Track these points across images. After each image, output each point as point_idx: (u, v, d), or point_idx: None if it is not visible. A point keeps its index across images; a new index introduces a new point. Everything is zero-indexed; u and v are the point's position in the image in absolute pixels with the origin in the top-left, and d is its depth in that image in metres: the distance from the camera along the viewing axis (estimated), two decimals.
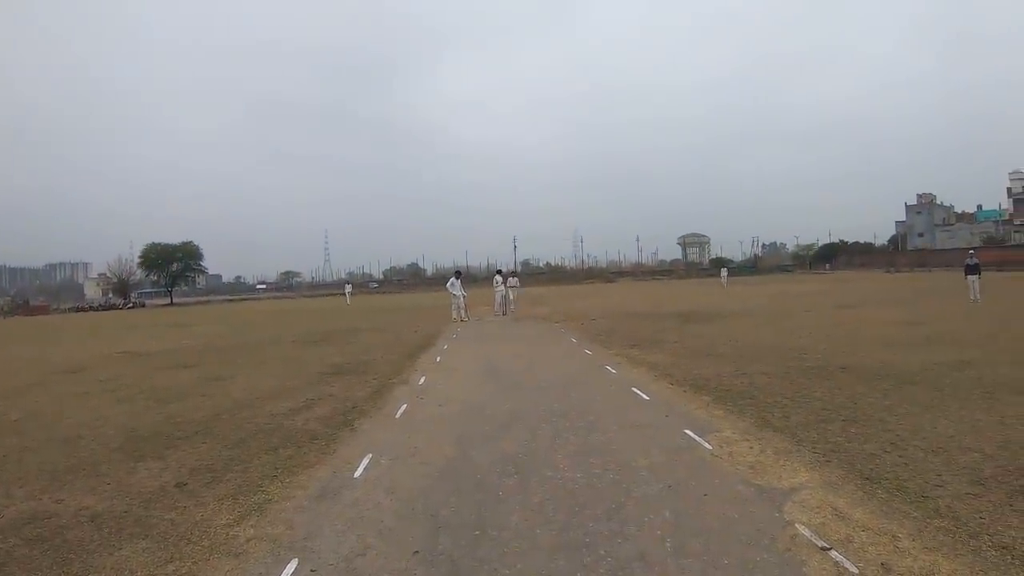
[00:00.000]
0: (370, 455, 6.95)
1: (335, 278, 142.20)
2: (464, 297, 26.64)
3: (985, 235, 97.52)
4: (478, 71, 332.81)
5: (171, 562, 4.43)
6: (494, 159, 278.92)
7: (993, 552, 4.03)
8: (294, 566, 4.29)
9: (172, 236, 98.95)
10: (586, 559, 4.26)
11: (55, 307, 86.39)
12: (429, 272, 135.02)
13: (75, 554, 4.64)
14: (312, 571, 4.24)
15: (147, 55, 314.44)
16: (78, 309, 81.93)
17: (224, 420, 9.02)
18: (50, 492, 6.16)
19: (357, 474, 6.34)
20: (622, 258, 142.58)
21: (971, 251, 27.01)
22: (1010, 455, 5.84)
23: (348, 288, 59.84)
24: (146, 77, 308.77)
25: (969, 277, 24.03)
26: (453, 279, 27.06)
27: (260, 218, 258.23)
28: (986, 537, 4.23)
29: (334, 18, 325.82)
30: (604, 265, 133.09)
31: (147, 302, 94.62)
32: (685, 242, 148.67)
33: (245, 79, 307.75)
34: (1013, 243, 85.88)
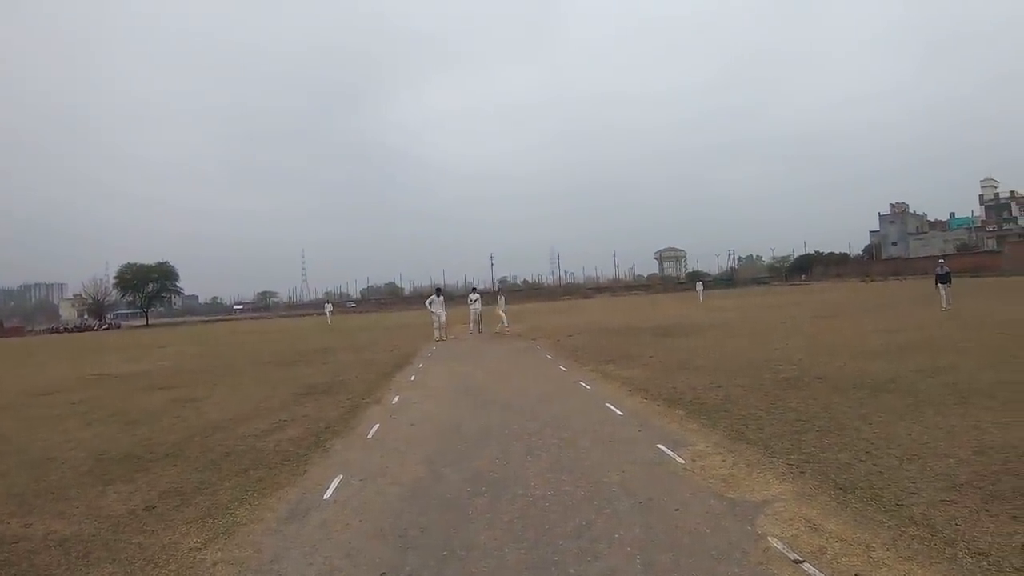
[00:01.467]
0: (341, 476, 6.84)
1: (312, 298, 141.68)
2: (445, 316, 26.36)
3: (958, 242, 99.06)
4: (453, 88, 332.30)
5: None
6: (470, 177, 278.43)
7: (969, 559, 3.98)
8: None
9: (148, 257, 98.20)
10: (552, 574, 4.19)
11: (30, 328, 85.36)
12: (407, 291, 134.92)
13: None
14: None
15: (121, 75, 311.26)
16: (53, 330, 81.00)
17: (196, 442, 8.84)
18: (18, 516, 6.03)
19: (327, 495, 6.23)
20: (599, 274, 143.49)
21: (940, 260, 27.23)
22: (985, 460, 5.82)
23: (328, 308, 59.40)
24: (120, 97, 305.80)
25: (940, 286, 24.20)
26: (433, 297, 26.83)
27: (236, 239, 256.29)
28: (962, 544, 4.18)
29: (308, 37, 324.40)
30: (582, 281, 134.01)
31: (122, 323, 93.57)
32: (662, 257, 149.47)
33: (220, 98, 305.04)
34: (986, 249, 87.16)
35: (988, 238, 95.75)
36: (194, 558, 4.82)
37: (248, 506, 6.02)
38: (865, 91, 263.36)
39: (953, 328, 17.11)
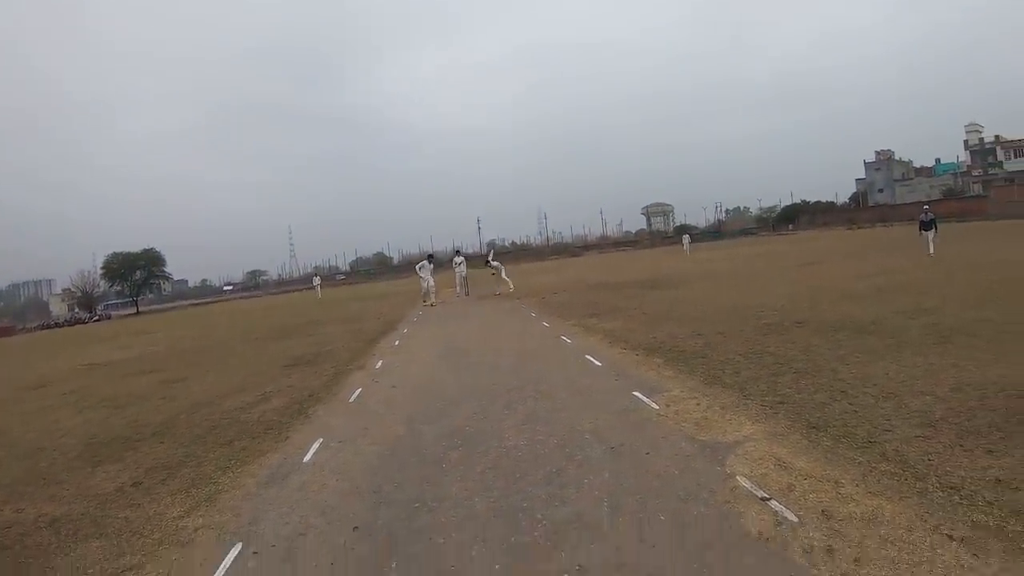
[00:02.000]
0: (321, 439, 6.90)
1: (302, 273, 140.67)
2: (433, 281, 26.12)
3: (944, 188, 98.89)
4: (429, 50, 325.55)
5: (123, 556, 4.49)
6: (454, 143, 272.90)
7: (940, 493, 3.95)
8: (237, 550, 4.34)
9: (134, 245, 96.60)
10: (521, 523, 4.20)
11: (21, 327, 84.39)
12: (396, 260, 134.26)
13: (33, 558, 4.69)
14: (254, 553, 4.29)
15: (95, 63, 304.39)
16: (44, 326, 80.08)
17: (182, 419, 8.85)
18: (11, 503, 6.07)
19: (307, 458, 6.30)
20: (587, 232, 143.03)
21: (925, 206, 27.03)
22: (962, 396, 5.77)
23: (317, 281, 58.71)
24: (95, 86, 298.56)
25: (924, 232, 24.05)
26: (424, 262, 26.59)
27: (222, 220, 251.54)
28: (933, 479, 4.15)
29: (281, 13, 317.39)
30: (570, 240, 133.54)
31: (113, 313, 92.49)
32: (649, 212, 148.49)
33: (196, 82, 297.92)
34: (972, 194, 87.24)
35: (974, 183, 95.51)
36: (177, 526, 4.94)
37: (231, 474, 6.10)
38: (847, 38, 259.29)
39: (937, 272, 17.04)
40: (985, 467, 4.23)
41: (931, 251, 22.95)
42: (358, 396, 9.04)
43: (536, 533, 4.04)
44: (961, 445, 4.65)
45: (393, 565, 3.93)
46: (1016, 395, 5.57)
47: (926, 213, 24.56)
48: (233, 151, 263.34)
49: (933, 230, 23.69)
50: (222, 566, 4.16)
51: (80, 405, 11.28)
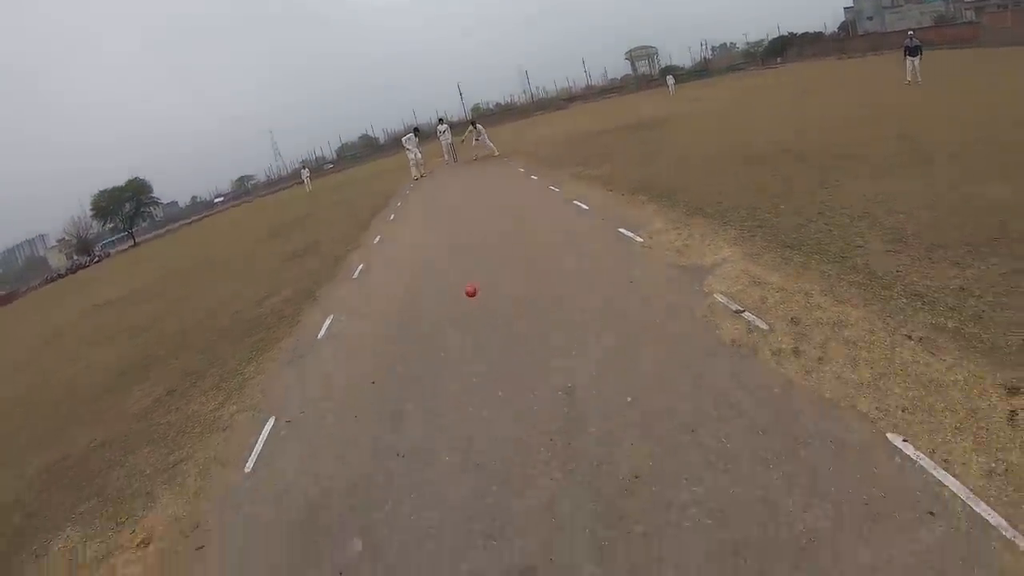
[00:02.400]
0: (331, 316, 7.25)
1: (290, 170, 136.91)
2: (420, 153, 25.45)
3: (935, 14, 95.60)
4: None
5: (172, 453, 4.93)
6: (423, 15, 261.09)
7: (904, 299, 4.19)
8: (272, 423, 4.81)
9: (118, 180, 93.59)
10: (517, 354, 4.59)
11: (24, 288, 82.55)
12: (382, 140, 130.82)
13: (92, 477, 5.01)
14: (287, 422, 4.76)
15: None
16: (47, 280, 78.53)
17: (198, 329, 9.07)
18: (62, 439, 6.33)
19: (320, 335, 6.70)
20: (572, 85, 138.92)
21: (910, 32, 26.23)
22: (936, 214, 5.87)
23: (305, 173, 55.29)
24: (52, 24, 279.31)
25: (908, 59, 23.52)
26: (410, 135, 25.83)
27: (202, 137, 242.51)
28: (899, 287, 4.38)
29: None
30: (555, 95, 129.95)
31: (112, 251, 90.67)
32: (632, 56, 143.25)
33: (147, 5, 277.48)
34: (964, 20, 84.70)
35: (966, 9, 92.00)
36: (215, 416, 5.38)
37: (254, 364, 6.50)
38: None
39: (922, 98, 16.85)
40: (950, 277, 4.42)
41: (918, 78, 22.59)
42: (360, 272, 9.31)
43: (531, 363, 4.42)
44: (929, 258, 4.83)
45: (409, 407, 4.32)
46: (988, 212, 5.66)
47: (911, 39, 23.88)
48: (200, 65, 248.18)
49: (918, 56, 23.19)
50: (260, 438, 4.60)
51: (99, 343, 11.29)
